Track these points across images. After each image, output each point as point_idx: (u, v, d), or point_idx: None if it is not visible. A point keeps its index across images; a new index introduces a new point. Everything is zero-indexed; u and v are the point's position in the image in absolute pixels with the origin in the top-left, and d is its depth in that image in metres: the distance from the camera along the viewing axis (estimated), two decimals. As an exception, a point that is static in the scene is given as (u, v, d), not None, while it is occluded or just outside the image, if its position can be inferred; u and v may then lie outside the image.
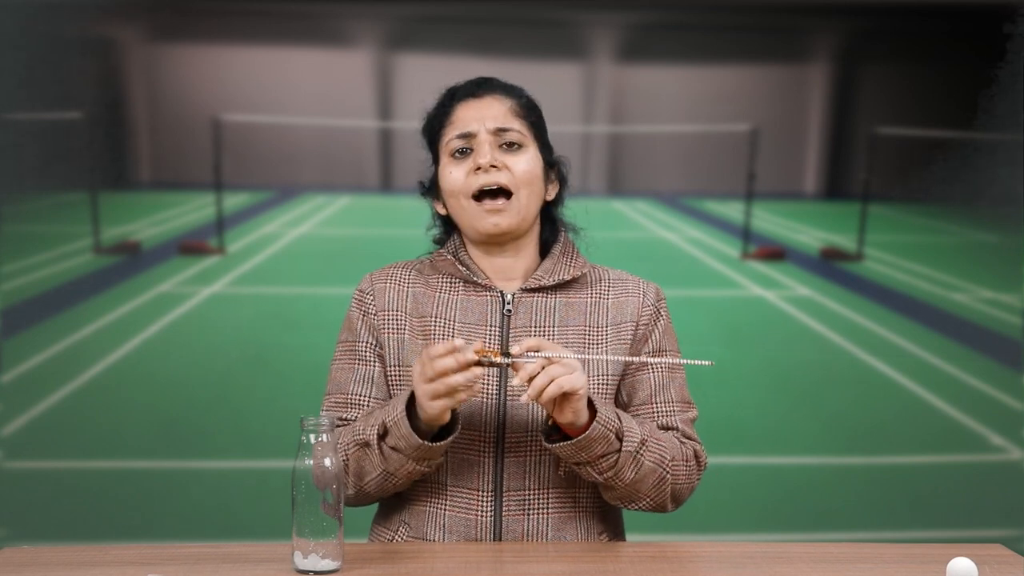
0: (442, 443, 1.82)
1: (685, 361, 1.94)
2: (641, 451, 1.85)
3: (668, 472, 1.90)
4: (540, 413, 1.91)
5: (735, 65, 4.80)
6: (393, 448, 1.83)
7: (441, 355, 1.75)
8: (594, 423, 1.80)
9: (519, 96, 1.99)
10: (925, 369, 4.52)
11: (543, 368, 1.75)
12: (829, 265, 4.78)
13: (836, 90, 4.80)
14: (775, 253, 4.80)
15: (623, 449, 1.83)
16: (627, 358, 1.94)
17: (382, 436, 1.84)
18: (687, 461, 1.94)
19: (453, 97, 1.99)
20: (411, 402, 1.82)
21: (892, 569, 1.79)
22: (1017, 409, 4.37)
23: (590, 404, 1.82)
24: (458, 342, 1.76)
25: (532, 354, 1.77)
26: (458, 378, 1.75)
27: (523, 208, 1.94)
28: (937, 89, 4.68)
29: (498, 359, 1.78)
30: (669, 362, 1.98)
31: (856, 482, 4.33)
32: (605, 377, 1.95)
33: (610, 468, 1.84)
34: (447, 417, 1.81)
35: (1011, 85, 4.41)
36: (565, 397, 1.77)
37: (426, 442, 1.81)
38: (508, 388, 1.92)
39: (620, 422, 1.84)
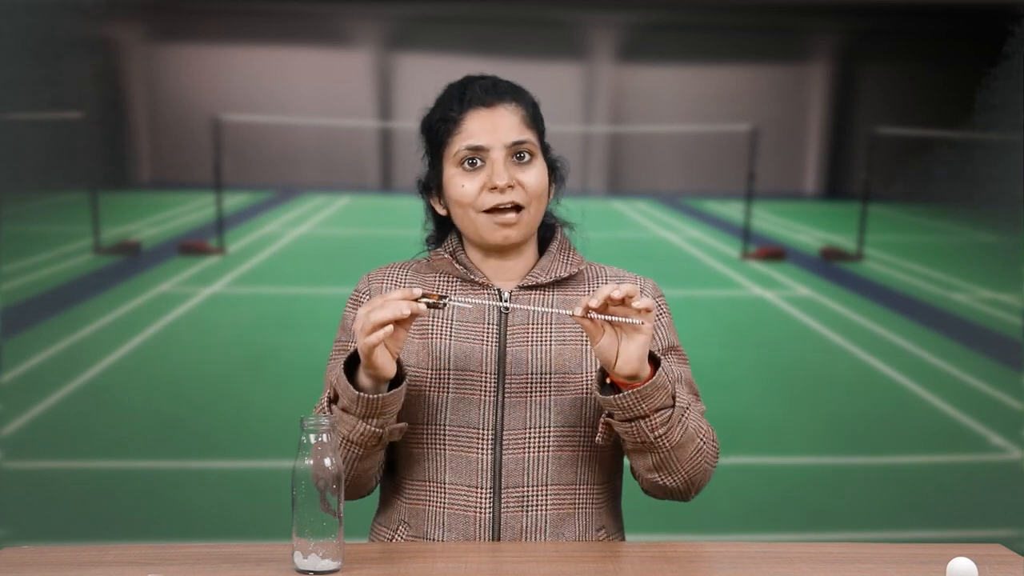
0: (382, 396, 1.80)
1: (628, 320, 1.82)
2: (687, 412, 1.86)
3: (704, 443, 1.90)
4: (539, 410, 1.91)
5: (735, 65, 4.80)
6: (343, 410, 1.83)
7: (397, 299, 1.76)
8: (659, 371, 1.79)
9: (527, 103, 1.97)
10: (925, 369, 4.52)
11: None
12: (829, 265, 4.78)
13: (836, 90, 4.81)
14: (775, 253, 4.80)
15: (676, 405, 1.83)
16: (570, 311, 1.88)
17: (333, 400, 1.84)
18: (715, 441, 1.95)
19: (462, 102, 1.95)
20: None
21: (892, 569, 1.79)
22: (1017, 409, 4.37)
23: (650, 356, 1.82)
24: (416, 291, 1.77)
25: (472, 300, 1.85)
26: (385, 312, 1.74)
27: (532, 220, 1.94)
28: (937, 89, 4.68)
29: (436, 301, 1.78)
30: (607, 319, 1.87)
31: (856, 482, 4.33)
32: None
33: (663, 424, 1.82)
34: (390, 368, 1.78)
35: (1011, 85, 4.41)
36: (631, 337, 1.75)
37: (364, 394, 1.80)
38: (506, 385, 1.92)
39: (674, 377, 1.84)
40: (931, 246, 4.86)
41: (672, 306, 2.05)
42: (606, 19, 4.71)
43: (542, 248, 2.03)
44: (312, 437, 1.68)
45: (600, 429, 1.87)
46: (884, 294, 4.67)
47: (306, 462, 1.68)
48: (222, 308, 4.59)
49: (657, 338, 1.99)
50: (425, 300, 1.77)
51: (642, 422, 1.82)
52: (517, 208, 1.92)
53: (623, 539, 2.06)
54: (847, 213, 4.79)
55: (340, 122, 4.73)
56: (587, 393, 1.92)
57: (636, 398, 1.79)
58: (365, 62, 4.69)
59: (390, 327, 1.74)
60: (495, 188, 1.90)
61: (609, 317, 1.75)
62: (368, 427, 1.83)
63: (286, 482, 1.69)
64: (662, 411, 1.82)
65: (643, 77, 4.83)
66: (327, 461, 1.68)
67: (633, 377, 1.79)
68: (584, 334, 1.94)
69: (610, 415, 1.84)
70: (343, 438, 1.84)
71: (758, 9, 4.71)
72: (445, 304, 1.79)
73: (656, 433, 1.83)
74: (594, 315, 1.75)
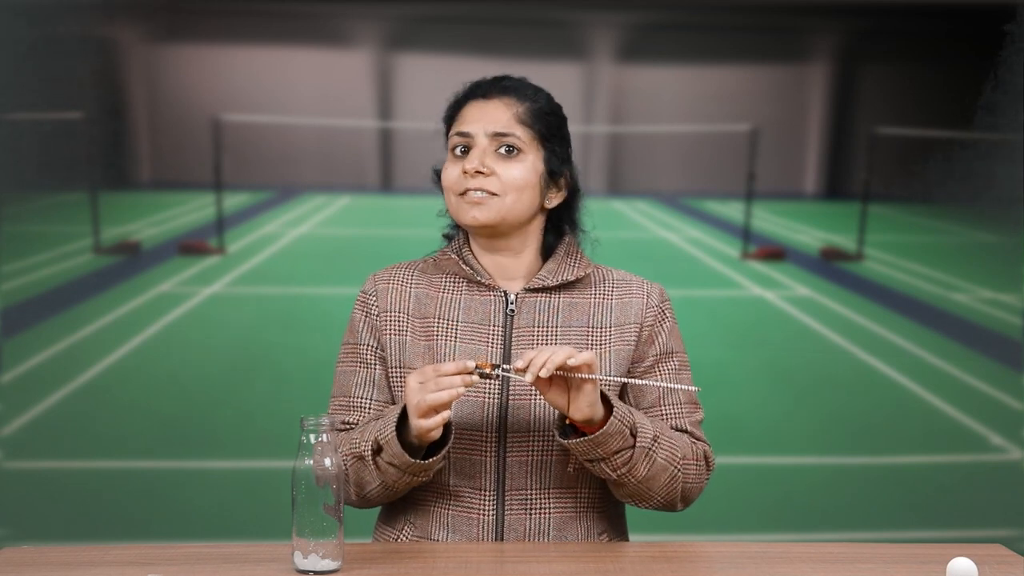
0: (434, 459, 1.83)
1: (672, 386, 1.95)
2: (654, 447, 1.86)
3: (679, 470, 1.91)
4: (544, 412, 1.91)
5: (735, 65, 4.80)
6: (388, 463, 1.84)
7: (450, 373, 1.76)
8: (611, 419, 1.81)
9: (533, 101, 1.97)
10: (925, 369, 4.52)
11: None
12: (829, 265, 4.78)
13: (836, 90, 4.81)
14: (775, 253, 4.80)
15: (637, 445, 1.84)
16: (620, 379, 1.93)
17: (376, 452, 1.85)
18: (698, 461, 1.95)
19: (468, 93, 1.99)
20: (404, 414, 1.83)
21: (892, 569, 1.79)
22: (1017, 409, 4.37)
23: (604, 401, 1.83)
24: (469, 363, 1.77)
25: (513, 370, 1.79)
26: (442, 395, 1.75)
27: (506, 209, 1.93)
28: (937, 89, 4.68)
29: (490, 371, 1.78)
30: (658, 385, 1.97)
31: (856, 482, 4.33)
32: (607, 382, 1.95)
33: (624, 464, 1.84)
34: (438, 433, 1.81)
35: (1011, 85, 4.41)
36: (579, 387, 1.78)
37: (418, 460, 1.82)
38: (510, 387, 1.92)
39: (633, 417, 1.85)
40: (931, 246, 4.86)
41: (672, 306, 2.05)
42: (606, 19, 4.71)
43: (549, 252, 2.02)
44: (312, 437, 1.68)
45: (571, 461, 1.91)
46: (884, 294, 4.67)
47: (306, 462, 1.68)
48: (222, 308, 4.59)
49: (657, 344, 1.99)
50: (479, 371, 1.78)
51: (602, 463, 1.85)
52: (492, 195, 1.93)
53: (626, 542, 2.06)
54: (847, 213, 4.79)
55: (340, 122, 4.73)
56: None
57: (590, 445, 1.82)
58: (365, 62, 4.68)
59: (448, 412, 1.76)
60: (466, 172, 1.92)
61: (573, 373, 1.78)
62: (415, 479, 1.86)
63: (286, 482, 1.69)
64: (621, 452, 1.84)
65: (643, 77, 4.83)
66: (327, 461, 1.68)
67: (588, 421, 1.81)
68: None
69: None
70: (382, 483, 1.86)
71: (758, 9, 4.71)
72: (498, 375, 1.80)
73: (619, 472, 1.85)
74: (544, 373, 1.76)
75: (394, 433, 1.81)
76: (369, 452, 1.84)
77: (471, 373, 1.77)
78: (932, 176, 4.63)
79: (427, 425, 1.77)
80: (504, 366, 1.82)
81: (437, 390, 1.75)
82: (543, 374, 1.75)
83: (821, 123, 4.82)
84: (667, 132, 4.81)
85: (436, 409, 1.76)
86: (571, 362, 1.76)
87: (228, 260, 4.65)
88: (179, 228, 4.68)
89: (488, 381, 1.91)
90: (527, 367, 1.76)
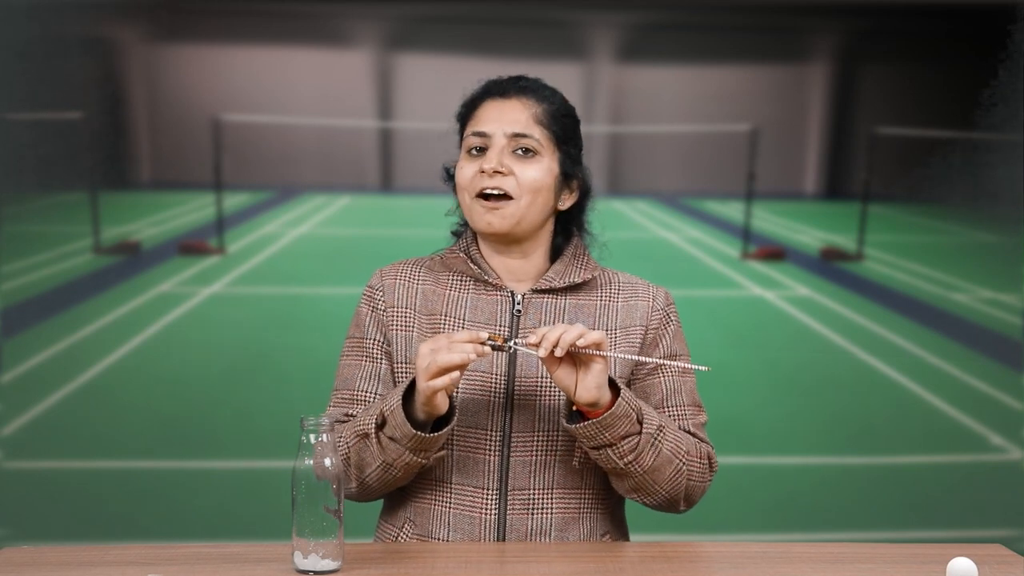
0: (437, 434, 1.83)
1: (683, 365, 1.95)
2: (659, 437, 1.86)
3: (684, 464, 1.91)
4: (549, 412, 1.91)
5: (735, 65, 4.80)
6: (391, 438, 1.84)
7: (463, 340, 1.77)
8: (619, 400, 1.81)
9: (550, 102, 1.98)
10: (925, 369, 4.52)
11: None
12: (829, 265, 4.78)
13: (836, 90, 4.81)
14: (775, 253, 4.80)
15: (643, 431, 1.84)
16: (631, 357, 1.93)
17: (380, 426, 1.84)
18: (701, 459, 1.95)
19: (485, 91, 1.99)
20: (412, 394, 1.83)
21: (892, 569, 1.79)
22: (1017, 409, 4.37)
23: (611, 387, 1.83)
24: (482, 334, 1.78)
25: (526, 345, 1.79)
26: (454, 357, 1.75)
27: (521, 213, 1.93)
28: (937, 89, 4.68)
29: (502, 343, 1.79)
30: (668, 363, 1.98)
31: (856, 482, 4.33)
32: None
33: (631, 451, 1.84)
34: (443, 406, 1.81)
35: (1011, 85, 4.41)
36: (588, 367, 1.78)
37: (420, 433, 1.81)
38: (515, 387, 1.92)
39: (640, 404, 1.85)
40: (931, 246, 4.86)
41: (678, 310, 2.05)
42: (606, 19, 4.71)
43: (558, 254, 2.02)
44: (312, 437, 1.68)
45: (576, 453, 1.91)
46: (884, 294, 4.67)
47: (306, 462, 1.68)
48: (222, 308, 4.59)
49: (661, 347, 1.99)
50: (490, 343, 1.78)
51: (609, 450, 1.84)
52: (508, 196, 1.93)
53: (626, 542, 2.06)
54: (847, 213, 4.79)
55: (340, 122, 4.73)
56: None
57: (598, 427, 1.81)
58: (365, 62, 4.68)
59: (456, 374, 1.76)
60: (483, 172, 1.92)
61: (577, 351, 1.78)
62: (416, 458, 1.85)
63: (286, 482, 1.69)
64: (628, 438, 1.83)
65: (643, 77, 4.83)
66: (327, 461, 1.68)
67: (594, 404, 1.81)
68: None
69: None
70: (383, 462, 1.86)
71: (758, 9, 4.71)
72: (511, 348, 1.81)
73: (625, 460, 1.85)
74: (558, 351, 1.77)
75: (400, 404, 1.81)
76: (373, 427, 1.84)
77: (483, 343, 1.77)
78: (932, 176, 4.63)
79: (435, 385, 1.76)
80: (516, 340, 1.83)
81: (449, 354, 1.76)
82: (557, 353, 1.76)
83: (821, 123, 4.82)
84: (667, 132, 4.81)
85: (446, 371, 1.76)
86: (581, 342, 1.76)
87: (228, 260, 4.65)
88: (179, 228, 4.68)
89: (493, 379, 1.91)
90: (540, 342, 1.76)
